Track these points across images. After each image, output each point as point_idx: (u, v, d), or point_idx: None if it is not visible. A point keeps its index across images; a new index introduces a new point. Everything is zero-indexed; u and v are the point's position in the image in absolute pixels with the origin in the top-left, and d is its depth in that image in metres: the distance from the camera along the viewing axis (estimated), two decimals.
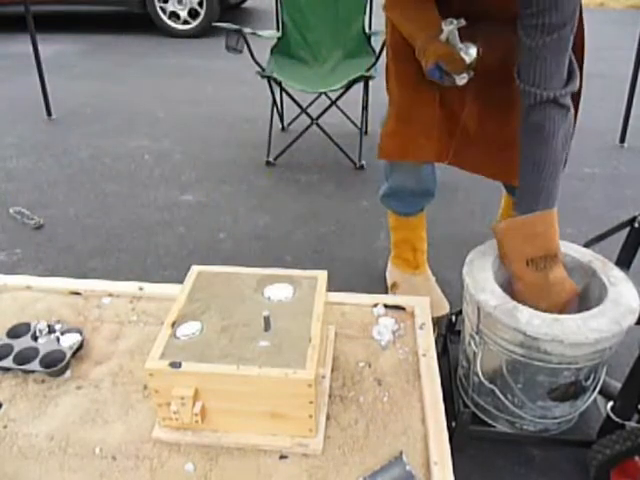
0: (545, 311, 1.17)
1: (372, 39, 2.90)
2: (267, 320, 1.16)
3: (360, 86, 2.70)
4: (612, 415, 1.18)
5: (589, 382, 1.23)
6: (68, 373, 1.34)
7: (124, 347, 1.42)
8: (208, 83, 4.04)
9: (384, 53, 1.63)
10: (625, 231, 1.37)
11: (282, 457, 1.13)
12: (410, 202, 1.75)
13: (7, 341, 1.39)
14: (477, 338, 1.25)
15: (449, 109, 1.51)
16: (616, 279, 1.23)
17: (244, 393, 1.10)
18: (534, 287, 1.27)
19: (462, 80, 1.31)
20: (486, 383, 1.26)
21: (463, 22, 1.23)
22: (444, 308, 1.76)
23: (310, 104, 2.86)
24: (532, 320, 1.13)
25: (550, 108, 1.25)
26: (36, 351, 1.35)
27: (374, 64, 2.56)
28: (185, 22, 5.29)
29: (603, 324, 1.11)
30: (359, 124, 2.92)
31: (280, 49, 2.95)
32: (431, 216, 2.27)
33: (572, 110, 1.31)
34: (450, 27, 1.24)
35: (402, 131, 1.54)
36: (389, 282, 1.89)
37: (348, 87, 2.63)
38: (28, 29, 3.08)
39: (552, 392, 1.21)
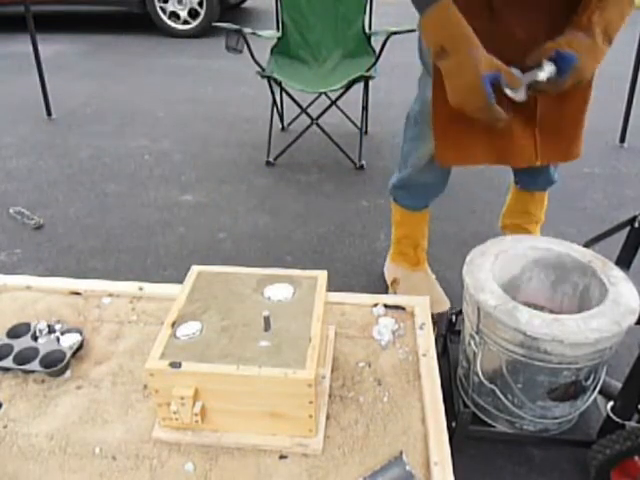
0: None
1: (372, 39, 2.90)
2: (267, 320, 1.16)
3: (360, 86, 2.70)
4: (612, 415, 1.18)
5: (589, 382, 1.22)
6: (68, 373, 1.34)
7: (124, 347, 1.42)
8: (208, 83, 4.04)
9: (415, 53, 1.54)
10: (625, 231, 1.37)
11: (282, 457, 1.13)
12: (420, 196, 1.75)
13: (7, 341, 1.39)
14: (477, 338, 1.25)
15: (520, 110, 1.40)
16: (616, 279, 1.23)
17: (244, 393, 1.10)
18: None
19: (519, 96, 1.20)
20: (486, 383, 1.26)
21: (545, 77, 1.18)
22: (444, 304, 1.76)
23: (310, 104, 2.86)
24: (532, 320, 1.13)
25: None
26: (36, 351, 1.35)
27: (374, 64, 2.56)
28: (185, 22, 5.29)
29: (603, 324, 1.11)
30: (359, 124, 2.92)
31: (280, 49, 2.95)
32: (432, 215, 2.27)
33: None
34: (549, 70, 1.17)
35: (466, 136, 1.47)
36: (389, 279, 1.89)
37: (348, 87, 2.63)
38: (28, 29, 3.08)
39: (552, 392, 1.21)
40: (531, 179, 1.84)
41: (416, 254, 1.85)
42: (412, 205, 1.78)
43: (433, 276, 1.87)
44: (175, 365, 1.08)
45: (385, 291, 1.88)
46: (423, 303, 1.56)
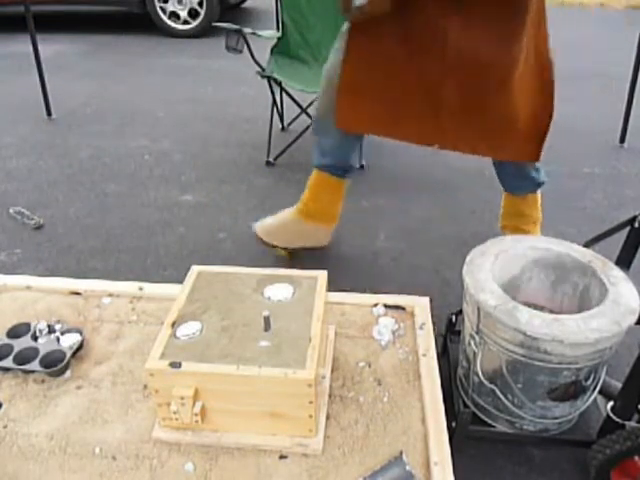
0: None
1: None
2: (267, 320, 1.16)
3: None
4: (612, 415, 1.18)
5: (589, 382, 1.22)
6: (68, 373, 1.34)
7: (124, 347, 1.42)
8: (208, 83, 4.04)
9: None
10: (625, 231, 1.37)
11: (282, 457, 1.13)
12: (318, 152, 1.84)
13: (7, 341, 1.39)
14: (477, 338, 1.25)
15: (424, 87, 1.50)
16: (616, 279, 1.23)
17: (244, 393, 1.10)
18: None
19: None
20: (486, 383, 1.26)
21: None
22: (276, 240, 1.95)
23: (310, 104, 2.85)
24: (532, 320, 1.13)
25: None
26: (36, 351, 1.35)
27: None
28: (185, 22, 5.29)
29: (603, 324, 1.11)
30: None
31: (280, 49, 2.94)
32: (431, 216, 2.28)
33: None
34: None
35: (362, 104, 1.58)
36: None
37: None
38: (28, 29, 3.08)
39: (552, 392, 1.21)
40: (515, 182, 1.85)
41: (305, 205, 1.93)
42: (314, 160, 1.87)
43: (302, 226, 1.96)
44: (175, 365, 1.08)
45: (385, 291, 1.88)
46: (423, 303, 1.57)
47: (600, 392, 1.29)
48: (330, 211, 1.96)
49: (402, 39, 1.45)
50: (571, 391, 1.22)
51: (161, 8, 5.20)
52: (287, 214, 1.98)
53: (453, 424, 1.24)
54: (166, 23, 5.28)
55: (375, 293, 1.66)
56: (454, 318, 1.53)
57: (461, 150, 1.63)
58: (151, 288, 1.64)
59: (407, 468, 1.09)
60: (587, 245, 1.39)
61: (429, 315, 1.53)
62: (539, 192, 1.87)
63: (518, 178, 1.81)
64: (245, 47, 2.52)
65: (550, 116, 1.54)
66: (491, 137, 1.57)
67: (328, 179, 1.88)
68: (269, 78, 2.64)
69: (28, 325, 1.43)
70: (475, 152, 1.63)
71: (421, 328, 1.48)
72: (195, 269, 1.38)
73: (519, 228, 1.90)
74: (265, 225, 1.98)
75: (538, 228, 1.92)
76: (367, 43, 1.48)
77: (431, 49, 1.43)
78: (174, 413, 1.11)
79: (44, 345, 1.37)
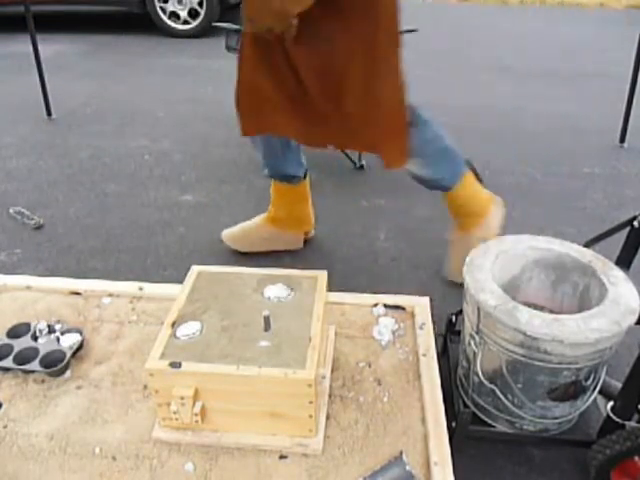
0: None
1: None
2: (267, 320, 1.16)
3: None
4: (612, 415, 1.18)
5: (589, 382, 1.22)
6: (68, 373, 1.34)
7: (124, 347, 1.42)
8: (208, 83, 4.04)
9: None
10: (625, 231, 1.37)
11: (282, 457, 1.13)
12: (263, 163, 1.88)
13: (7, 341, 1.39)
14: (477, 338, 1.25)
15: (300, 94, 1.50)
16: (616, 279, 1.23)
17: (244, 393, 1.10)
18: None
19: None
20: (486, 383, 1.26)
21: None
22: (243, 246, 2.02)
23: None
24: (532, 320, 1.13)
25: None
26: (36, 351, 1.35)
27: None
28: (185, 22, 5.29)
29: (603, 324, 1.11)
30: None
31: None
32: (431, 216, 2.28)
33: None
34: None
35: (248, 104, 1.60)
36: None
37: None
38: (28, 29, 3.08)
39: (552, 392, 1.21)
40: (420, 180, 1.78)
41: (270, 212, 2.00)
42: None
43: (266, 232, 2.01)
44: (175, 365, 1.09)
45: (385, 291, 1.88)
46: (423, 303, 1.57)
47: (600, 392, 1.29)
48: (296, 216, 2.00)
49: (280, 55, 1.46)
50: (571, 391, 1.22)
51: (161, 8, 5.21)
52: (256, 220, 2.04)
53: (453, 424, 1.24)
54: (166, 23, 5.28)
55: (375, 293, 1.66)
56: (454, 318, 1.53)
57: (350, 149, 1.68)
58: (151, 288, 1.64)
59: (407, 468, 1.09)
60: (587, 245, 1.38)
61: (429, 315, 1.53)
62: (457, 189, 1.75)
63: (420, 180, 1.75)
64: None
65: (403, 108, 1.54)
66: (359, 134, 1.57)
67: (280, 187, 1.92)
68: None
69: (28, 325, 1.43)
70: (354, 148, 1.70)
71: (421, 328, 1.48)
72: (195, 269, 1.38)
73: (465, 227, 1.82)
74: (233, 232, 2.04)
75: (479, 221, 1.80)
76: (255, 54, 1.49)
77: (283, 59, 1.45)
78: (174, 413, 1.11)
79: (44, 345, 1.37)
